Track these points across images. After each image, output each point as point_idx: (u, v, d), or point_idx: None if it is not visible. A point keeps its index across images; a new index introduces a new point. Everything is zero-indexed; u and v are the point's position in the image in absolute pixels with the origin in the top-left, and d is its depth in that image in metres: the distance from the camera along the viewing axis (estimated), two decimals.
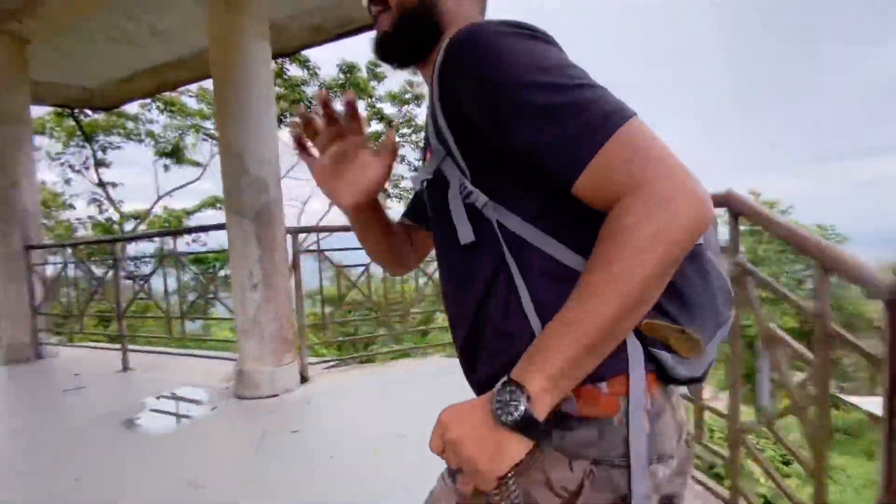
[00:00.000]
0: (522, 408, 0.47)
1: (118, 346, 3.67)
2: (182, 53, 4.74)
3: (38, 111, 8.96)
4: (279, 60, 9.99)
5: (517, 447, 0.49)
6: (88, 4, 3.64)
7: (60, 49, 4.63)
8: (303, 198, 12.89)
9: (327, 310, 4.58)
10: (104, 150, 9.85)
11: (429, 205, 0.70)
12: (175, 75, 5.12)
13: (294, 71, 10.80)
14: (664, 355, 0.54)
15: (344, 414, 2.55)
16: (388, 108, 12.46)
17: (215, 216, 12.94)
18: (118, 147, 9.91)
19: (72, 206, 9.61)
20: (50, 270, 4.31)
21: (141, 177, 11.62)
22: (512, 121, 0.50)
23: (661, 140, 0.48)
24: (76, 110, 8.51)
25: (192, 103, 10.28)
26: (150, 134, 10.10)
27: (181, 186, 11.46)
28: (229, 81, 2.78)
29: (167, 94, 8.51)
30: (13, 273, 4.07)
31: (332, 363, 3.51)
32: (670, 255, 0.45)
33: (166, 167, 10.37)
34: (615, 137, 0.46)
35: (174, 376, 3.30)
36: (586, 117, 0.47)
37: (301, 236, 3.23)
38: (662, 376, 0.56)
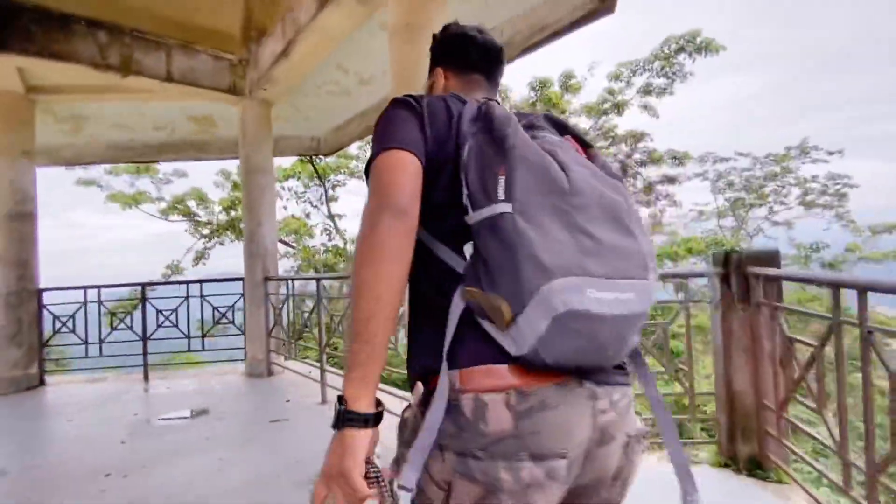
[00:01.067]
0: (339, 409, 0.62)
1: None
2: (385, 94, 5.01)
3: (281, 161, 11.02)
4: None
5: (350, 439, 0.60)
6: (307, 62, 4.05)
7: (295, 105, 5.41)
8: None
9: None
10: (334, 187, 11.87)
11: None
12: (375, 117, 5.48)
13: None
14: (486, 324, 0.62)
15: None
16: (583, 122, 11.58)
17: None
18: (343, 184, 11.84)
19: (310, 236, 11.76)
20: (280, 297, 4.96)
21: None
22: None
23: (390, 167, 0.69)
24: (310, 157, 10.35)
25: None
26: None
27: None
28: None
29: None
30: (257, 300, 4.81)
31: None
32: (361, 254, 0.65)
33: None
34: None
35: None
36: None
37: None
38: (530, 367, 0.60)
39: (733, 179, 13.35)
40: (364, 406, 0.62)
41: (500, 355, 0.61)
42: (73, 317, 5.05)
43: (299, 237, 12.00)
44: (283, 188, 12.06)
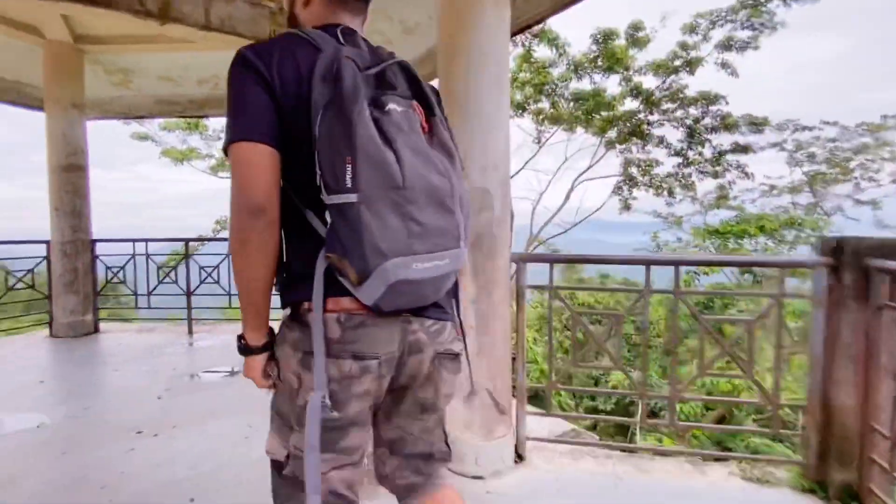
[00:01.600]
0: (240, 345, 0.94)
1: None
2: (430, 45, 4.59)
3: None
4: (527, 41, 9.50)
5: (250, 362, 0.95)
6: None
7: None
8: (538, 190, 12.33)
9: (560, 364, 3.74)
10: None
11: None
12: (422, 71, 5.07)
13: (541, 51, 10.12)
14: (344, 280, 0.82)
15: None
16: (650, 81, 10.53)
17: None
18: None
19: None
20: None
21: None
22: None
23: (245, 161, 0.83)
24: None
25: None
26: None
27: None
28: (455, 63, 2.18)
29: None
30: None
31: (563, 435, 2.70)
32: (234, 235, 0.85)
33: None
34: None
35: None
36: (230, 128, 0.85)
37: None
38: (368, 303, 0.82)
39: (815, 151, 11.88)
40: (255, 341, 0.93)
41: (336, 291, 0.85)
42: (122, 268, 5.21)
43: None
44: None
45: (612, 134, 11.34)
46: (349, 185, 0.75)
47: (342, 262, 0.79)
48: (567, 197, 11.63)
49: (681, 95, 10.37)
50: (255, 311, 0.90)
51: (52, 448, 2.45)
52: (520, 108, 10.52)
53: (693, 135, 10.54)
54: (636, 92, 10.45)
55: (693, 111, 10.58)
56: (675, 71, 10.17)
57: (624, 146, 11.28)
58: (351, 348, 0.84)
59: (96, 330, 5.11)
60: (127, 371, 3.79)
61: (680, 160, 11.07)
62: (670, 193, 12.17)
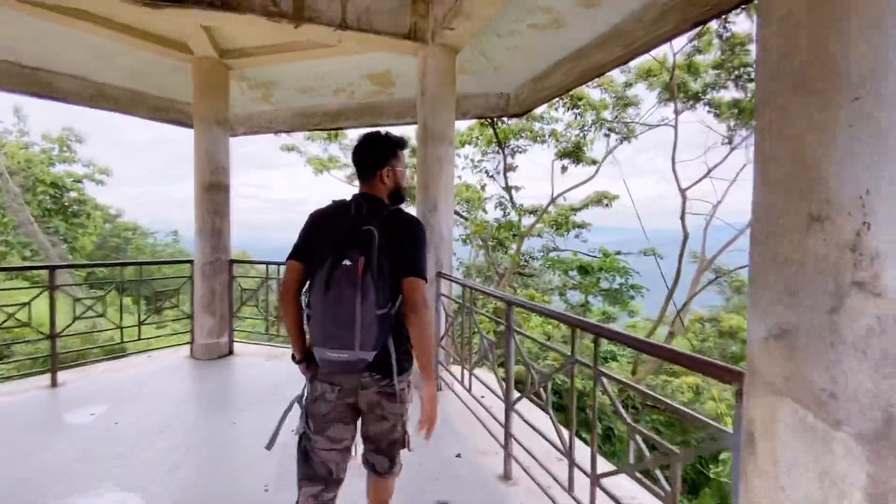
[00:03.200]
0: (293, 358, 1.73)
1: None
2: (616, 21, 3.42)
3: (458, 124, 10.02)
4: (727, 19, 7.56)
5: (299, 367, 1.66)
6: None
7: (483, 52, 4.21)
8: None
9: None
10: (513, 154, 10.54)
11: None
12: (597, 58, 3.90)
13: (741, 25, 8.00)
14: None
15: None
16: None
17: (600, 214, 12.02)
18: (524, 150, 10.41)
19: (484, 211, 10.75)
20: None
21: (539, 182, 11.91)
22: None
23: None
24: (492, 120, 9.15)
25: (595, 95, 9.56)
26: (554, 134, 10.02)
27: (574, 187, 11.08)
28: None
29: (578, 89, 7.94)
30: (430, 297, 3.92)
31: None
32: None
33: (564, 168, 10.14)
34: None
35: None
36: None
37: None
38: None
39: None
40: (297, 357, 1.63)
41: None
42: (255, 292, 4.99)
43: (471, 207, 11.21)
44: (458, 155, 11.26)
45: None
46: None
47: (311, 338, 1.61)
48: None
49: None
50: (293, 342, 1.63)
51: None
52: (694, 98, 8.52)
53: None
54: None
55: None
56: None
57: None
58: (317, 383, 1.61)
59: (231, 352, 4.96)
60: (247, 413, 3.34)
61: None
62: None
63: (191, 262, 4.90)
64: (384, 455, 1.62)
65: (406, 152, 1.66)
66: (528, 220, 11.09)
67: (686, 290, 11.94)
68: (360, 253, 1.38)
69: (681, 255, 9.70)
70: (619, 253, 11.86)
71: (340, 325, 1.36)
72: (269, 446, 1.55)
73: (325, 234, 1.50)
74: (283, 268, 5.98)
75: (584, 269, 10.11)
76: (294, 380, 4.37)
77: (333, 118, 5.62)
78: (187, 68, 4.73)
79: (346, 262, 1.36)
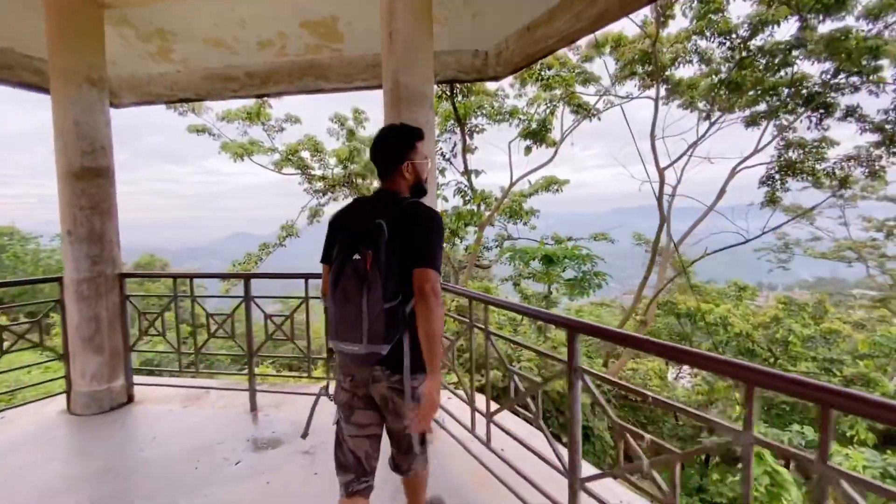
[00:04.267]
0: None
1: None
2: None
3: None
4: None
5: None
6: None
7: None
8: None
9: None
10: (472, 133, 9.56)
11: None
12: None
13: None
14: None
15: None
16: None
17: (550, 200, 11.47)
18: (482, 130, 9.46)
19: (445, 199, 9.68)
20: None
21: (497, 168, 11.06)
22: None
23: None
24: (458, 86, 8.07)
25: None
26: (514, 112, 9.15)
27: (530, 172, 10.33)
28: None
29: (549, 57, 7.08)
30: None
31: None
32: None
33: (528, 149, 9.34)
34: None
35: None
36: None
37: None
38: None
39: None
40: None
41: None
42: (160, 315, 3.67)
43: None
44: None
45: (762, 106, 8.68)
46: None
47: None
48: (721, 192, 9.04)
49: None
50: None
51: None
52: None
53: None
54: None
55: None
56: None
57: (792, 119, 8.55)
58: (338, 375, 1.70)
59: (130, 399, 3.64)
60: None
61: (879, 137, 8.19)
62: (843, 184, 9.36)
63: (58, 279, 3.49)
64: (405, 455, 1.67)
65: (422, 143, 1.63)
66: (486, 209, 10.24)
67: (640, 273, 11.76)
68: (368, 247, 1.40)
69: (656, 241, 9.29)
70: (570, 239, 11.44)
71: (348, 319, 1.41)
72: (304, 435, 1.66)
73: (342, 232, 1.53)
74: (196, 280, 4.71)
75: (548, 259, 9.49)
76: (229, 440, 3.17)
77: (261, 82, 4.33)
78: (41, 8, 3.28)
79: (356, 257, 1.40)
